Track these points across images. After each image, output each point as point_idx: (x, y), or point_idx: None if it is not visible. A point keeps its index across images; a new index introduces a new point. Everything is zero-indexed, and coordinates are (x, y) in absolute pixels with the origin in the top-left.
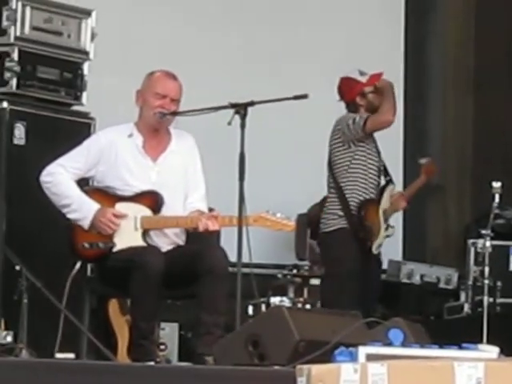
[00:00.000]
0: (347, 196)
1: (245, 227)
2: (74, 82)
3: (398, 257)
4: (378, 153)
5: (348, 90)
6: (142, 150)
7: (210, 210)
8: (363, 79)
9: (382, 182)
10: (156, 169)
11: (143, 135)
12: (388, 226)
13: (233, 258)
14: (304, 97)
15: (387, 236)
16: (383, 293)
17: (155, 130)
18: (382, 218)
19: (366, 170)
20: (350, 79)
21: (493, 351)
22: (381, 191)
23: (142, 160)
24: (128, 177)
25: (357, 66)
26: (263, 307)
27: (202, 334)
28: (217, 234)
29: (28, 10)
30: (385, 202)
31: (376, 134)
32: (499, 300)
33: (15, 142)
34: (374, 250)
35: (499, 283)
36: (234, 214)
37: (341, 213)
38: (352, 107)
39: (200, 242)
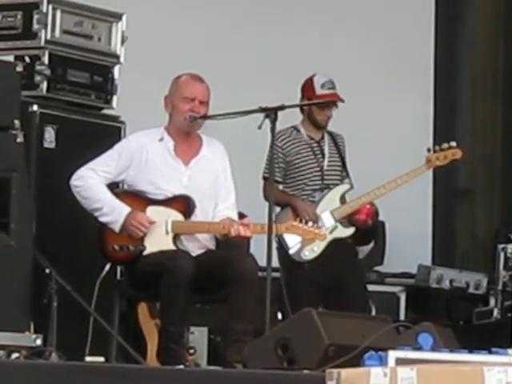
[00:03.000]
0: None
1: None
2: (104, 86)
3: (428, 262)
4: (323, 155)
5: (303, 89)
6: (173, 154)
7: (242, 216)
8: (320, 90)
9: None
10: (187, 172)
11: (174, 139)
12: (337, 227)
13: (263, 262)
14: (333, 101)
15: (343, 237)
16: (413, 298)
17: (186, 134)
18: (318, 220)
19: (301, 178)
20: (311, 82)
21: None
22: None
23: (173, 163)
24: (159, 181)
25: (388, 73)
26: None
27: (232, 342)
28: (247, 240)
29: (58, 13)
30: (327, 204)
31: (406, 141)
32: None
33: (45, 145)
34: (303, 256)
35: None
36: (265, 220)
37: None
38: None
39: (230, 248)
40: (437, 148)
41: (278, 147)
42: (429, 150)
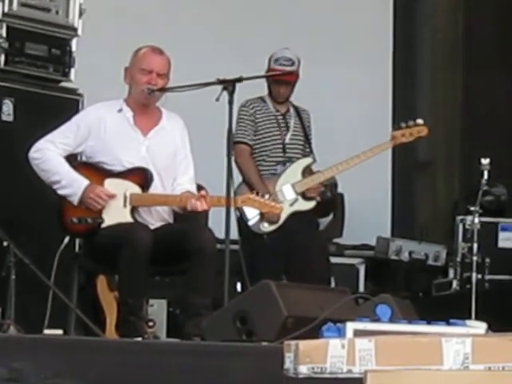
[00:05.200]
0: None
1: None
2: (62, 59)
3: (387, 233)
4: (288, 128)
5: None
6: (132, 123)
7: (200, 188)
8: (273, 65)
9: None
10: (146, 143)
11: (133, 110)
12: (297, 200)
13: (221, 234)
14: (291, 73)
15: (304, 210)
16: (372, 269)
17: (145, 107)
18: (278, 193)
19: (264, 149)
20: (271, 55)
21: (481, 327)
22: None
23: (132, 134)
24: (117, 151)
25: (346, 45)
26: None
27: (191, 316)
28: (205, 213)
29: None
30: (289, 176)
31: (365, 112)
32: (487, 277)
33: (3, 118)
34: (262, 228)
35: (487, 260)
36: (223, 193)
37: None
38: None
39: (188, 221)
40: (402, 125)
41: (249, 113)
42: (394, 127)
